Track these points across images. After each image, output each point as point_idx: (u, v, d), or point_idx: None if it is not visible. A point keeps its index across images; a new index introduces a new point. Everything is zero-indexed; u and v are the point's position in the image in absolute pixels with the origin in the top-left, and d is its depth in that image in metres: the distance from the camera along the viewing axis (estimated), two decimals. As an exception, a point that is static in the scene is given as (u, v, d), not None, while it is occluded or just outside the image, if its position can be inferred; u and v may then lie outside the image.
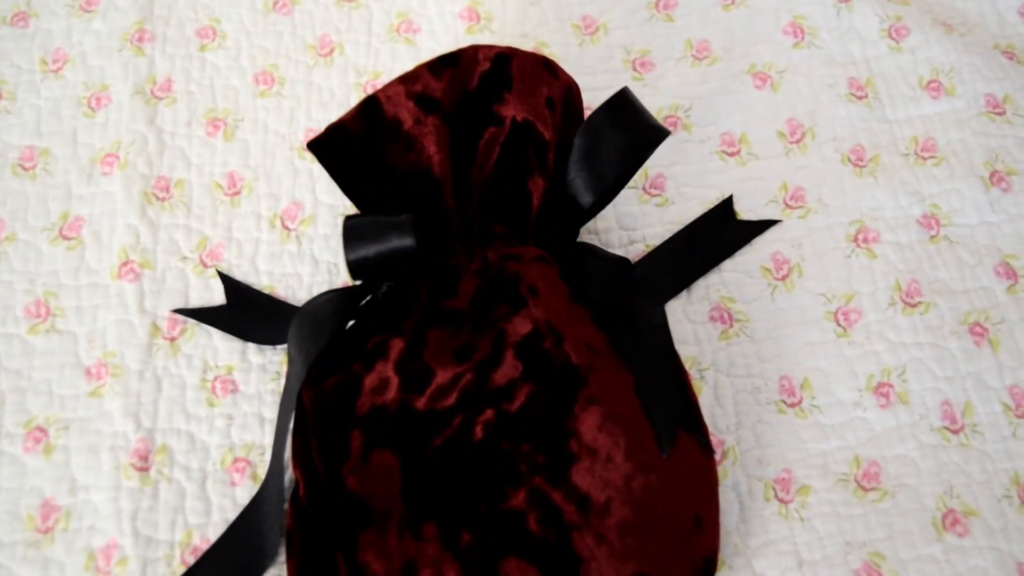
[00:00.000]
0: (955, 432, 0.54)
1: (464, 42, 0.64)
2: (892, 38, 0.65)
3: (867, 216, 0.59)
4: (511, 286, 0.46)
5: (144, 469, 0.53)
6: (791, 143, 0.62)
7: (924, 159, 0.61)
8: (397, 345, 0.45)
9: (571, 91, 0.51)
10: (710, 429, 0.54)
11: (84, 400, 0.54)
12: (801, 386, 0.55)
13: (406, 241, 0.45)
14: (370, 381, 0.45)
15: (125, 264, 0.58)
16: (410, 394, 0.45)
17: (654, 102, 0.63)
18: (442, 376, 0.45)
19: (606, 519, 0.44)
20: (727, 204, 0.60)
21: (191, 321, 0.56)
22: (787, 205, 0.60)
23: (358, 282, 0.50)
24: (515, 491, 0.44)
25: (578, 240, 0.56)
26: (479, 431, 0.45)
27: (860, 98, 0.63)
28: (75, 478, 0.52)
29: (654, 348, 0.47)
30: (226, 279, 0.57)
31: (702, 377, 0.55)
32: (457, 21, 0.65)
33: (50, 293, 0.57)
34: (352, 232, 0.45)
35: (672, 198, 0.60)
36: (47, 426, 0.54)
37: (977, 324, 0.56)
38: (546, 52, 0.65)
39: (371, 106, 0.46)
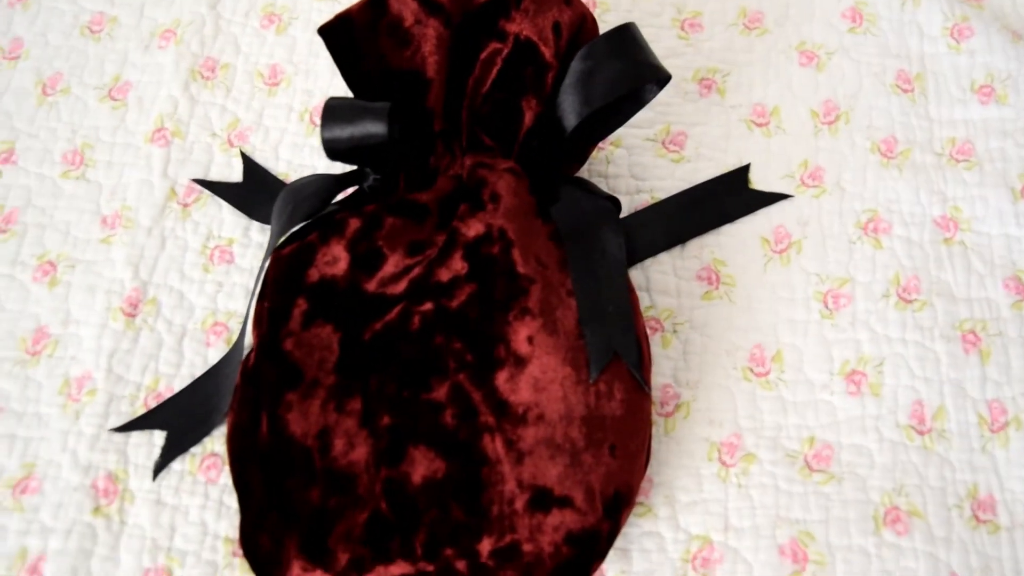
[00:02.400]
0: (921, 433, 0.52)
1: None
2: (953, 37, 0.63)
3: (882, 207, 0.58)
4: (476, 190, 0.48)
5: (131, 315, 0.56)
6: (823, 123, 0.61)
7: (957, 161, 0.59)
8: (353, 224, 0.47)
9: (584, 21, 0.51)
10: (670, 382, 0.54)
11: (95, 245, 0.58)
12: (772, 358, 0.54)
13: (380, 128, 0.47)
14: (322, 253, 0.47)
15: (159, 131, 0.61)
16: (360, 275, 0.47)
17: (694, 61, 0.63)
18: (393, 263, 0.47)
19: (520, 428, 0.45)
20: (742, 171, 0.59)
21: (206, 192, 0.59)
22: (803, 182, 0.59)
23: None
24: (439, 384, 0.46)
25: (577, 175, 0.56)
26: (416, 321, 0.46)
27: (905, 91, 0.61)
28: (70, 311, 0.56)
29: (603, 275, 0.47)
30: (247, 159, 0.60)
31: (675, 331, 0.55)
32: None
33: (87, 145, 0.61)
34: (330, 112, 0.47)
35: (689, 156, 0.60)
36: (57, 262, 0.58)
37: (972, 332, 0.54)
38: (596, 0, 0.65)
39: (377, 1, 0.48)
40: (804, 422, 0.53)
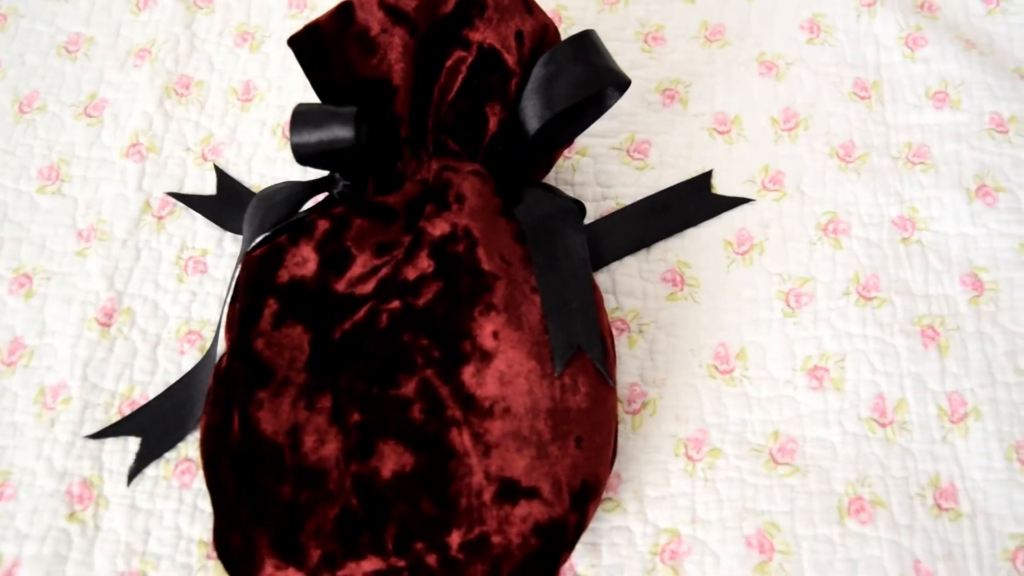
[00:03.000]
0: (883, 425, 0.53)
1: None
2: (908, 47, 0.65)
3: (842, 209, 0.60)
4: (441, 191, 0.49)
5: (106, 325, 0.57)
6: (783, 130, 0.62)
7: (913, 164, 0.61)
8: (322, 225, 0.48)
9: (547, 30, 0.53)
10: (637, 381, 0.55)
11: (70, 257, 0.59)
12: (736, 356, 0.56)
13: (347, 132, 0.48)
14: (292, 254, 0.48)
15: (134, 146, 0.63)
16: (329, 275, 0.48)
17: (657, 73, 0.65)
18: (361, 263, 0.48)
19: (486, 421, 0.46)
20: (705, 177, 0.61)
21: (180, 205, 0.61)
22: (764, 187, 0.61)
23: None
24: (407, 380, 0.47)
25: (543, 181, 0.58)
26: (384, 319, 0.47)
27: (863, 98, 0.63)
28: (45, 322, 0.57)
29: (566, 272, 0.48)
30: (220, 173, 0.61)
31: (641, 331, 0.56)
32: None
33: (63, 160, 0.62)
34: (299, 117, 0.49)
35: (653, 164, 0.62)
36: (32, 274, 0.59)
37: (931, 327, 0.56)
38: (563, 14, 0.67)
39: (345, 10, 0.50)
40: (768, 417, 0.54)
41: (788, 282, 0.58)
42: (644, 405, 0.54)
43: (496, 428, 0.46)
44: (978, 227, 0.58)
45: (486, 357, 0.47)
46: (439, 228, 0.48)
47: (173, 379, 0.55)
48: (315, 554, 0.46)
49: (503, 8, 0.51)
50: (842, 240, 0.59)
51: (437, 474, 0.45)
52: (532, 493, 0.46)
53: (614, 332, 0.56)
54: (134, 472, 0.52)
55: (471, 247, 0.48)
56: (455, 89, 0.52)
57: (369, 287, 0.48)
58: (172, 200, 0.61)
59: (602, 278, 0.58)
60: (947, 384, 0.54)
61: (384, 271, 0.48)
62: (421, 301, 0.47)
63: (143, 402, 0.55)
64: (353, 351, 0.47)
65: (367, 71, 0.50)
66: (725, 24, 0.67)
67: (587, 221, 0.60)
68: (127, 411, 0.54)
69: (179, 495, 0.52)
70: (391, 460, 0.46)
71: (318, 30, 0.49)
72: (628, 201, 0.61)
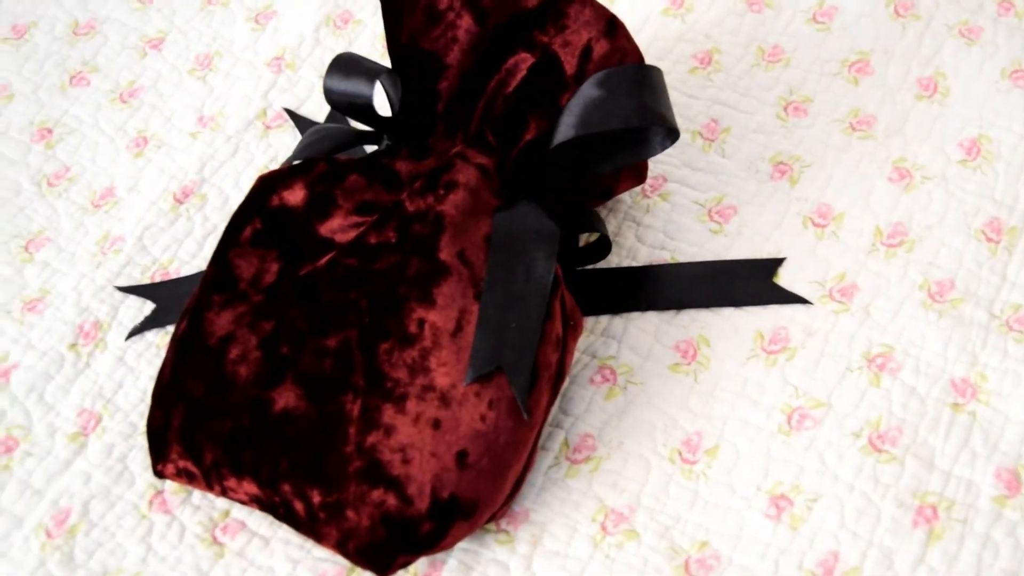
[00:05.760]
0: (822, 586, 0.47)
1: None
2: (1075, 203, 0.56)
3: (902, 347, 0.53)
4: (437, 173, 0.49)
5: (180, 201, 0.62)
6: (883, 243, 0.56)
7: (1011, 329, 0.53)
8: (320, 168, 0.50)
9: (623, 57, 0.51)
10: (593, 434, 0.52)
11: (184, 137, 0.65)
12: (707, 450, 0.51)
13: (366, 89, 0.49)
14: (287, 184, 0.50)
15: (278, 58, 0.68)
16: (314, 216, 0.50)
17: (780, 144, 0.60)
18: (342, 215, 0.50)
19: (381, 401, 0.46)
20: (774, 263, 0.56)
21: (290, 123, 0.65)
22: (831, 295, 0.55)
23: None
24: (335, 334, 0.48)
25: (594, 208, 0.56)
26: (339, 271, 0.49)
27: (990, 240, 0.55)
28: (138, 182, 0.64)
29: (518, 292, 0.47)
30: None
31: (625, 388, 0.54)
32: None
33: (218, 54, 0.69)
34: (336, 63, 0.51)
35: (728, 232, 0.58)
36: (149, 139, 0.66)
37: (932, 508, 0.48)
38: (716, 58, 0.64)
39: (427, -26, 0.51)
40: (706, 524, 0.49)
41: (800, 399, 0.52)
42: (588, 459, 0.52)
43: (388, 411, 0.46)
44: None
45: (405, 340, 0.47)
46: (415, 205, 0.49)
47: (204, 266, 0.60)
48: (208, 456, 0.48)
49: (581, 20, 0.50)
50: (884, 379, 0.52)
51: (317, 429, 0.46)
52: (394, 484, 0.45)
53: (597, 380, 0.54)
54: (136, 331, 0.58)
55: (435, 233, 0.48)
56: (512, 87, 0.51)
57: (348, 238, 0.50)
58: (285, 116, 0.65)
59: (616, 323, 0.56)
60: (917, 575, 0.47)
61: (360, 229, 0.49)
62: (374, 266, 0.48)
63: (174, 276, 0.60)
64: (309, 291, 0.49)
65: (427, 42, 0.51)
66: (878, 117, 0.61)
67: (632, 264, 0.57)
68: (158, 279, 0.60)
69: (160, 365, 0.57)
70: (286, 398, 0.47)
71: (400, -17, 0.51)
72: (684, 259, 0.57)
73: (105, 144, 0.66)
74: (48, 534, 0.52)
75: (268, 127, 0.65)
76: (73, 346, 0.58)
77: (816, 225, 0.58)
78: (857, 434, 0.51)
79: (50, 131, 0.67)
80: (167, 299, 0.59)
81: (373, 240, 0.48)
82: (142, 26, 0.70)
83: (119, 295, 0.59)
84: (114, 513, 0.52)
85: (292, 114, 0.65)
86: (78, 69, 0.69)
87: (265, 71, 0.68)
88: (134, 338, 0.58)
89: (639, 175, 0.56)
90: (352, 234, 0.50)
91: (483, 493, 0.46)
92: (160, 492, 0.53)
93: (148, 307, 0.59)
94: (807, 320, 0.54)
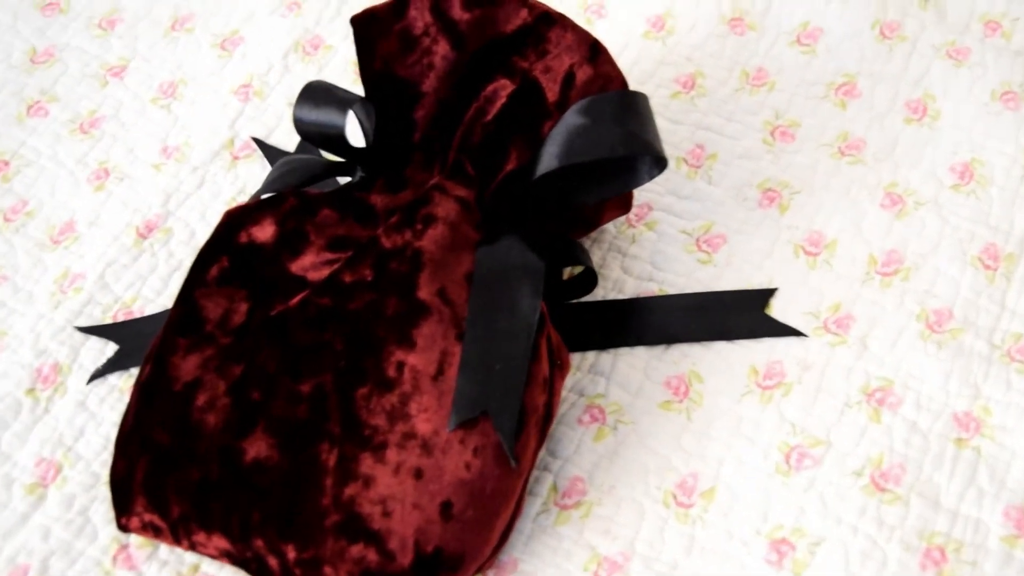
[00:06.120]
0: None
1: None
2: (1072, 228, 0.54)
3: (901, 380, 0.51)
4: (415, 206, 0.47)
5: (144, 236, 0.60)
6: (877, 272, 0.54)
7: (1012, 360, 0.51)
8: (290, 203, 0.47)
9: (607, 84, 0.49)
10: (584, 477, 0.50)
11: (147, 168, 0.63)
12: (703, 492, 0.49)
13: (339, 119, 0.47)
14: (255, 219, 0.48)
15: (246, 86, 0.65)
16: (285, 253, 0.47)
17: (768, 170, 0.59)
18: (314, 251, 0.47)
19: (359, 450, 0.43)
20: (765, 294, 0.54)
21: (259, 153, 0.62)
22: (825, 326, 0.53)
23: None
24: (309, 377, 0.45)
25: (576, 239, 0.54)
26: (312, 311, 0.46)
27: (987, 268, 0.54)
28: (99, 216, 0.61)
29: (502, 330, 0.44)
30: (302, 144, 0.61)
31: (615, 428, 0.51)
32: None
33: (183, 81, 0.66)
34: (306, 92, 0.49)
35: (718, 262, 0.56)
36: (111, 171, 0.63)
37: (940, 549, 0.46)
38: (699, 81, 0.62)
39: (401, 2, 0.48)
40: (704, 571, 0.47)
41: (798, 436, 0.50)
42: (579, 504, 0.49)
43: (366, 461, 0.43)
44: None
45: (383, 385, 0.44)
46: (392, 241, 0.46)
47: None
48: (175, 509, 0.45)
49: (563, 45, 0.48)
50: (884, 415, 0.50)
51: (291, 480, 0.44)
52: (375, 538, 0.42)
53: (586, 420, 0.52)
54: (98, 374, 0.55)
55: (414, 271, 0.45)
56: (491, 115, 0.49)
57: (321, 275, 0.47)
58: (254, 145, 0.63)
59: (604, 359, 0.53)
60: (925, 622, 0.45)
61: (334, 267, 0.47)
62: (350, 306, 0.45)
63: (137, 315, 0.57)
64: (281, 333, 0.46)
65: (402, 68, 0.49)
66: (867, 141, 0.59)
67: (618, 297, 0.55)
68: (121, 318, 0.57)
69: (123, 411, 0.54)
70: (257, 447, 0.44)
71: (373, 15, 0.49)
72: (672, 291, 0.55)
73: (65, 177, 0.63)
74: (3, 594, 0.49)
75: (236, 157, 0.63)
76: (31, 391, 0.55)
77: (808, 253, 0.56)
78: (859, 473, 0.49)
79: (7, 163, 0.64)
80: (131, 340, 0.56)
81: (348, 278, 0.46)
82: (103, 53, 0.68)
83: (80, 336, 0.56)
84: (75, 570, 0.49)
85: (261, 144, 0.62)
86: (36, 99, 0.66)
87: (232, 99, 0.65)
88: (96, 382, 0.55)
89: (624, 204, 0.54)
90: (325, 272, 0.47)
91: (469, 545, 0.43)
92: (125, 547, 0.50)
93: (111, 348, 0.56)
94: (802, 353, 0.52)
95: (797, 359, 0.52)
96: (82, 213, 0.61)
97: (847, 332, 0.53)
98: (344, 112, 0.47)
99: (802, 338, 0.53)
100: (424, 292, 0.45)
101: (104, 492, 0.51)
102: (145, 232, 0.60)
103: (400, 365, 0.44)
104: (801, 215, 0.57)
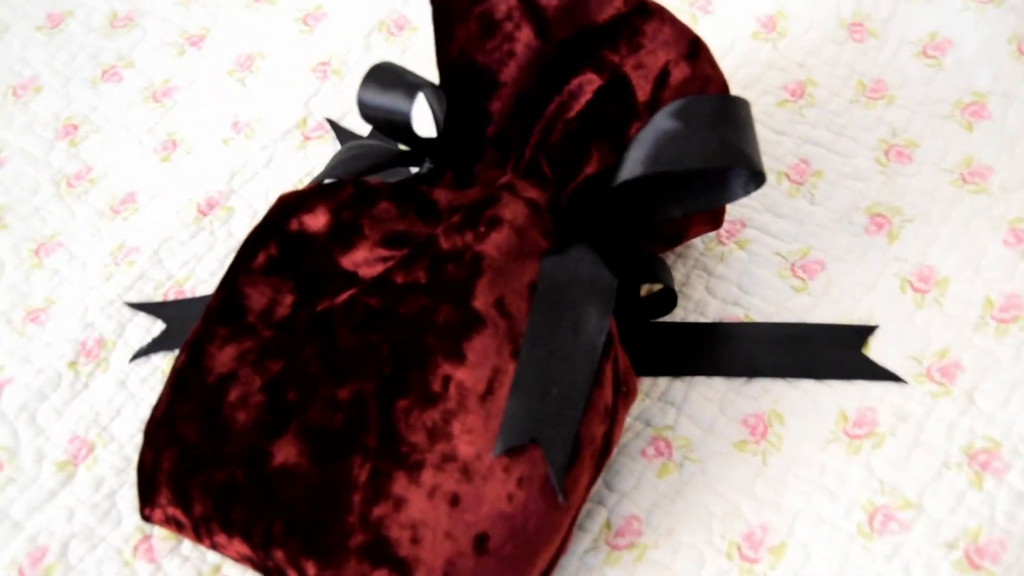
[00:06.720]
0: None
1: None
2: None
3: (1012, 442, 0.45)
4: (480, 207, 0.43)
5: (204, 213, 0.57)
6: (993, 318, 0.48)
7: None
8: (347, 192, 0.44)
9: (706, 85, 0.44)
10: (641, 516, 0.45)
11: (217, 142, 0.60)
12: (772, 549, 0.44)
13: (405, 105, 0.43)
14: (310, 206, 0.44)
15: (324, 64, 0.62)
16: (337, 246, 0.44)
17: (879, 193, 0.53)
18: (367, 247, 0.43)
19: (394, 467, 0.40)
20: (864, 331, 0.49)
21: (331, 134, 0.59)
22: (929, 375, 0.47)
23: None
24: (350, 383, 0.41)
25: (657, 254, 0.49)
26: (360, 311, 0.42)
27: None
28: (162, 189, 0.59)
29: (563, 351, 0.40)
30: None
31: (681, 465, 0.46)
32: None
33: (261, 55, 0.63)
34: (373, 73, 0.45)
35: (813, 291, 0.51)
36: (179, 143, 0.60)
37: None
38: (809, 90, 0.57)
39: (485, -19, 0.45)
40: (765, 638, 0.42)
41: (886, 496, 0.44)
42: (632, 546, 0.45)
43: (399, 480, 0.40)
44: None
45: (426, 400, 0.40)
46: (451, 242, 0.42)
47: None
48: (198, 508, 0.43)
49: (659, 39, 0.44)
50: (987, 481, 0.44)
51: (317, 492, 0.40)
52: (400, 566, 0.39)
53: (650, 452, 0.47)
54: (141, 353, 0.52)
55: (471, 277, 0.41)
56: (575, 111, 0.45)
57: (374, 272, 0.43)
58: (327, 126, 0.60)
59: (677, 387, 0.49)
60: None
61: (387, 264, 0.43)
62: (400, 310, 0.42)
63: (189, 295, 0.54)
64: (325, 331, 0.43)
65: (480, 55, 0.45)
66: (994, 169, 0.53)
67: (699, 319, 0.50)
68: (171, 297, 0.54)
69: (162, 394, 0.51)
70: (286, 453, 0.41)
71: (452, -3, 0.45)
72: (759, 319, 0.50)
73: (132, 145, 0.61)
74: (21, 573, 0.46)
75: (307, 138, 0.60)
76: (73, 364, 0.52)
77: (916, 290, 0.50)
78: (952, 545, 0.43)
79: (76, 128, 0.62)
80: (179, 320, 0.53)
81: (400, 279, 0.42)
82: (183, 21, 0.65)
83: (128, 311, 0.54)
84: (95, 556, 0.47)
85: (334, 125, 0.59)
86: (112, 64, 0.64)
87: (309, 77, 0.62)
88: (139, 360, 0.52)
89: (714, 220, 0.49)
90: (378, 268, 0.43)
91: (502, 582, 0.39)
92: (148, 537, 0.47)
93: (158, 327, 0.53)
94: (900, 401, 0.47)
95: (893, 408, 0.47)
96: (145, 184, 0.59)
97: (953, 382, 0.47)
98: (412, 98, 0.44)
99: (901, 384, 0.47)
100: (480, 302, 0.41)
101: (133, 478, 0.49)
102: (206, 209, 0.57)
103: (447, 380, 0.40)
104: (912, 246, 0.51)
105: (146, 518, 0.45)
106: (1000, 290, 0.49)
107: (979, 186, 0.52)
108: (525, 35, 0.44)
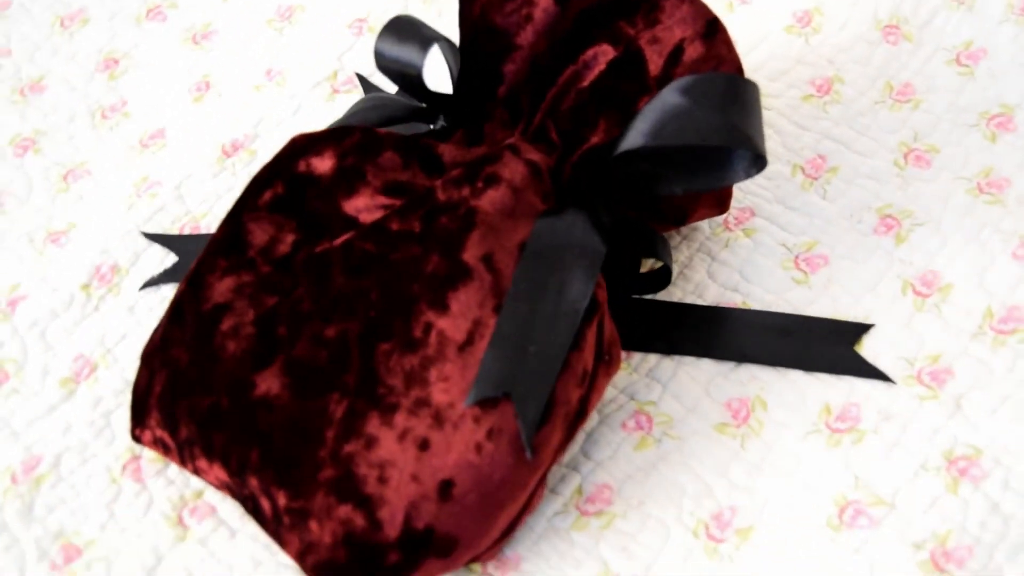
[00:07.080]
0: None
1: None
2: None
3: (997, 451, 0.44)
4: (481, 163, 0.43)
5: (228, 155, 0.59)
6: (992, 328, 0.48)
7: None
8: (354, 138, 0.45)
9: (717, 66, 0.44)
10: (613, 486, 0.46)
11: (248, 88, 0.62)
12: (739, 530, 0.44)
13: (418, 59, 0.44)
14: (319, 149, 0.45)
15: (361, 20, 0.63)
16: (340, 190, 0.45)
17: (892, 194, 0.53)
18: (368, 194, 0.44)
19: (369, 407, 0.40)
20: (859, 329, 0.49)
21: (359, 89, 0.60)
22: (919, 378, 0.47)
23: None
24: (338, 324, 0.42)
25: (662, 230, 0.49)
26: (355, 255, 0.43)
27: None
28: (192, 126, 0.60)
29: (544, 312, 0.41)
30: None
31: (659, 441, 0.47)
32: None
33: (301, 8, 0.65)
34: (391, 25, 0.46)
35: (814, 284, 0.50)
36: (213, 85, 0.62)
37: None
38: (836, 87, 0.56)
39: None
40: (720, 615, 0.42)
41: (859, 491, 0.44)
42: (601, 513, 0.45)
43: (373, 420, 0.40)
44: None
45: (407, 345, 0.41)
46: (447, 195, 0.43)
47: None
48: (184, 431, 0.44)
49: (677, 16, 0.44)
50: (963, 487, 0.44)
51: (294, 425, 0.41)
52: (365, 503, 0.40)
53: (630, 425, 0.47)
54: (151, 282, 0.54)
55: (463, 230, 0.42)
56: (588, 80, 0.45)
57: (373, 219, 0.44)
58: (356, 81, 0.61)
59: (666, 365, 0.49)
60: None
61: (385, 212, 0.44)
62: (393, 256, 0.43)
63: (204, 232, 0.56)
64: (322, 272, 0.44)
65: (499, 17, 0.45)
66: (1012, 182, 0.52)
67: (697, 302, 0.51)
68: (187, 231, 0.56)
69: (167, 323, 0.53)
70: (268, 384, 0.42)
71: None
72: (757, 307, 0.50)
73: (167, 84, 0.62)
74: (13, 479, 0.48)
75: (336, 91, 0.61)
76: (86, 287, 0.54)
77: (917, 294, 0.49)
78: (919, 546, 0.43)
79: (116, 62, 0.64)
80: (190, 254, 0.54)
81: (395, 227, 0.43)
82: (231, -32, 0.67)
83: (143, 242, 0.56)
84: (85, 471, 0.48)
85: (364, 80, 0.60)
86: (158, 3, 0.66)
87: (345, 31, 0.63)
88: (148, 289, 0.54)
89: (720, 203, 0.49)
90: (377, 215, 0.44)
91: (464, 532, 0.40)
92: (137, 458, 0.49)
93: (171, 259, 0.55)
94: (886, 401, 0.46)
95: (878, 406, 0.46)
96: (175, 122, 0.61)
97: (941, 387, 0.47)
98: (425, 51, 0.44)
99: (889, 384, 0.47)
100: (469, 255, 0.42)
101: (129, 400, 0.50)
102: (230, 150, 0.59)
103: (428, 327, 0.41)
104: (919, 250, 0.51)
105: (136, 439, 0.46)
106: (1003, 302, 0.49)
107: (995, 197, 0.52)
108: (544, 1, 0.45)
